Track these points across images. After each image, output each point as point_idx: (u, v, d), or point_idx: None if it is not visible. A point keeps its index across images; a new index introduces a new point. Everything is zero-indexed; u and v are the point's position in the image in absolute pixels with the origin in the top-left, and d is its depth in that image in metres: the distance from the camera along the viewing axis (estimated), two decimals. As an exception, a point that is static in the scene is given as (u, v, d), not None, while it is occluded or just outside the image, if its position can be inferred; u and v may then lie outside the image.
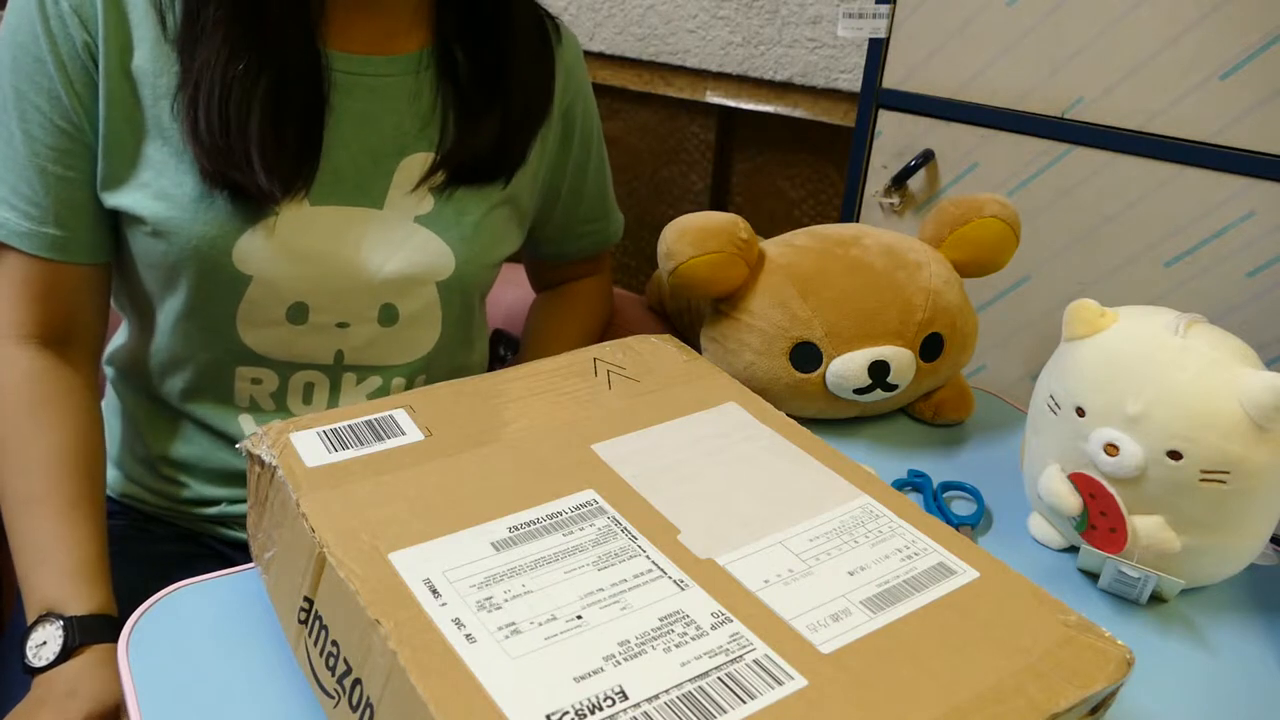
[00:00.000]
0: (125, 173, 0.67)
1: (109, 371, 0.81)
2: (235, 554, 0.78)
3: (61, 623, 0.60)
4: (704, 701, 0.40)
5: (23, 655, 0.59)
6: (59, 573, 0.62)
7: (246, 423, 0.75)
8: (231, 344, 0.72)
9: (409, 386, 0.78)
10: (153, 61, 0.66)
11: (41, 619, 0.60)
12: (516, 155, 0.76)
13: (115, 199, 0.68)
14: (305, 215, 0.69)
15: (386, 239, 0.72)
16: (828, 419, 0.78)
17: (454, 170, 0.73)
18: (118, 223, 0.71)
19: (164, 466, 0.77)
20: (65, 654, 0.59)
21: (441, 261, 0.74)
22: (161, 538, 0.78)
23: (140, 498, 0.79)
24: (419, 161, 0.73)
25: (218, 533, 0.78)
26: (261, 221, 0.67)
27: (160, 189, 0.66)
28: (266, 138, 0.65)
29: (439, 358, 0.79)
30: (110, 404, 0.81)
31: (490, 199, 0.76)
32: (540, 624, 0.43)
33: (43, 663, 0.59)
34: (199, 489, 0.77)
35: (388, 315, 0.74)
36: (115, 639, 0.60)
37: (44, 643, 0.59)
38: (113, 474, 0.81)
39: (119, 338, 0.79)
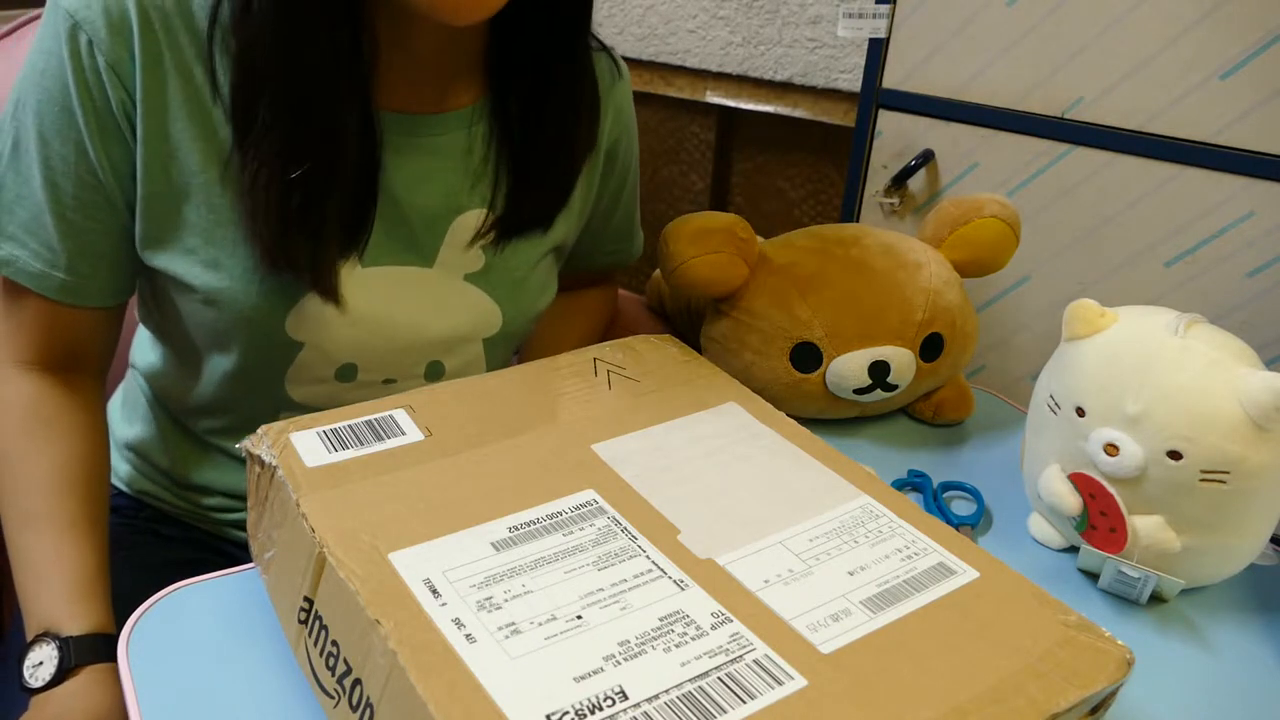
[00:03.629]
0: (167, 234, 0.65)
1: (140, 382, 0.80)
2: (247, 557, 0.78)
3: (58, 644, 0.59)
4: (704, 701, 0.40)
5: (20, 676, 0.59)
6: (57, 592, 0.61)
7: None
8: (278, 397, 0.71)
9: None
10: (199, 124, 0.63)
11: (39, 639, 0.60)
12: (563, 202, 0.75)
13: (159, 260, 0.66)
14: (357, 278, 0.67)
15: (437, 299, 0.71)
16: (828, 419, 0.78)
17: (506, 225, 0.72)
18: (162, 282, 0.68)
19: (187, 483, 0.77)
20: (61, 675, 0.58)
21: (490, 319, 0.73)
22: (172, 540, 0.78)
23: (156, 494, 0.79)
24: (472, 219, 0.71)
25: (233, 535, 0.78)
26: (315, 291, 0.66)
27: (211, 258, 0.64)
28: (327, 241, 0.63)
29: None
30: (138, 410, 0.80)
31: (539, 250, 0.75)
32: (540, 624, 0.43)
33: (39, 684, 0.58)
34: (225, 501, 0.77)
35: (434, 371, 0.74)
36: (112, 658, 0.59)
37: (40, 663, 0.59)
38: (125, 470, 0.80)
39: (150, 354, 0.77)
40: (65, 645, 0.59)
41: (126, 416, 0.81)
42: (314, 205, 0.62)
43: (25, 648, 0.60)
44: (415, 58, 0.67)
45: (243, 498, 0.77)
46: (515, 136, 0.71)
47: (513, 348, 0.80)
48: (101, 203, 0.64)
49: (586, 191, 0.79)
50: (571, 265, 0.89)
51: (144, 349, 0.79)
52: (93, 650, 0.60)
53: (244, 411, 0.73)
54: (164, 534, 0.78)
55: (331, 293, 0.65)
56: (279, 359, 0.69)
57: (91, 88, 0.61)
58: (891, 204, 1.09)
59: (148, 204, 0.64)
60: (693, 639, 0.43)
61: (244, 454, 0.54)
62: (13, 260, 0.65)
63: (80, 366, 0.71)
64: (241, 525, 0.77)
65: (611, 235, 0.88)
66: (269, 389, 0.70)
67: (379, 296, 0.69)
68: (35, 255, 0.65)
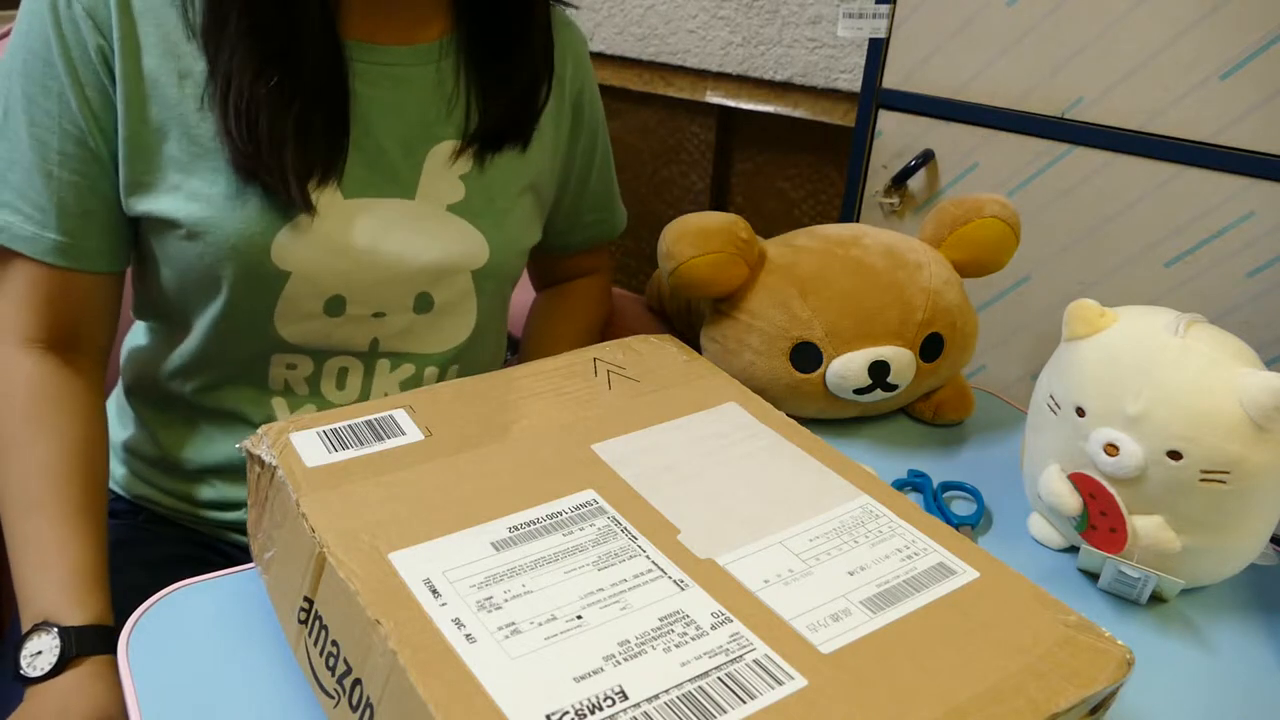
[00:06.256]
0: (150, 176, 0.66)
1: (124, 375, 0.80)
2: (246, 559, 0.78)
3: (58, 632, 0.59)
4: (704, 701, 0.40)
5: (16, 664, 0.59)
6: (57, 581, 0.61)
7: (279, 406, 0.75)
8: (268, 338, 0.72)
9: (441, 377, 0.79)
10: (174, 60, 0.65)
11: (37, 628, 0.60)
12: (532, 113, 0.78)
13: (144, 204, 0.67)
14: (339, 208, 0.69)
15: (421, 229, 0.72)
16: (828, 419, 0.78)
17: (480, 148, 0.75)
18: (141, 231, 0.70)
19: (184, 470, 0.77)
20: (61, 665, 0.58)
21: (476, 249, 0.75)
22: (170, 539, 0.77)
23: (153, 498, 0.78)
24: (448, 149, 0.74)
25: (231, 539, 0.78)
26: (298, 217, 0.67)
27: (193, 190, 0.66)
28: (299, 152, 0.65)
29: (472, 350, 0.79)
30: (119, 406, 0.81)
31: (518, 181, 0.77)
32: (540, 624, 0.43)
33: (38, 673, 0.58)
34: (224, 490, 0.76)
35: (423, 303, 0.75)
36: (111, 650, 0.60)
37: (39, 652, 0.59)
38: (121, 472, 0.80)
39: (138, 337, 0.79)
40: (67, 635, 0.59)
41: (119, 419, 0.81)
42: (278, 109, 0.65)
43: (23, 637, 0.60)
44: None
45: (233, 479, 0.76)
46: (482, 67, 0.75)
47: (504, 288, 0.81)
48: (87, 157, 0.66)
49: (556, 136, 0.82)
50: (557, 240, 0.90)
51: (134, 335, 0.80)
52: (92, 641, 0.60)
53: (234, 358, 0.73)
54: (163, 534, 0.78)
55: (306, 205, 0.67)
56: (267, 292, 0.69)
57: (68, 37, 0.64)
58: (891, 204, 1.09)
59: (130, 146, 0.66)
60: (693, 639, 0.43)
61: (243, 454, 0.54)
62: (7, 226, 0.66)
63: (80, 345, 0.71)
64: (237, 527, 0.77)
65: (590, 202, 0.90)
66: (260, 329, 0.71)
67: (363, 228, 0.70)
68: (28, 219, 0.66)
